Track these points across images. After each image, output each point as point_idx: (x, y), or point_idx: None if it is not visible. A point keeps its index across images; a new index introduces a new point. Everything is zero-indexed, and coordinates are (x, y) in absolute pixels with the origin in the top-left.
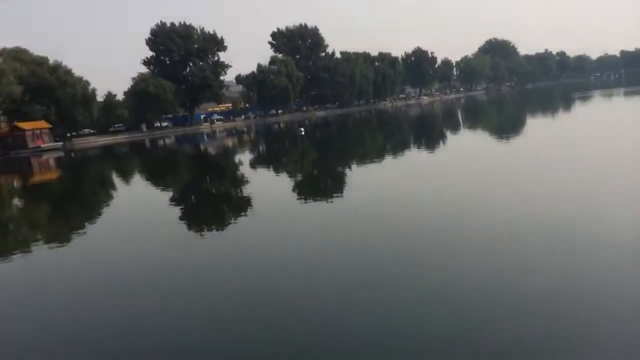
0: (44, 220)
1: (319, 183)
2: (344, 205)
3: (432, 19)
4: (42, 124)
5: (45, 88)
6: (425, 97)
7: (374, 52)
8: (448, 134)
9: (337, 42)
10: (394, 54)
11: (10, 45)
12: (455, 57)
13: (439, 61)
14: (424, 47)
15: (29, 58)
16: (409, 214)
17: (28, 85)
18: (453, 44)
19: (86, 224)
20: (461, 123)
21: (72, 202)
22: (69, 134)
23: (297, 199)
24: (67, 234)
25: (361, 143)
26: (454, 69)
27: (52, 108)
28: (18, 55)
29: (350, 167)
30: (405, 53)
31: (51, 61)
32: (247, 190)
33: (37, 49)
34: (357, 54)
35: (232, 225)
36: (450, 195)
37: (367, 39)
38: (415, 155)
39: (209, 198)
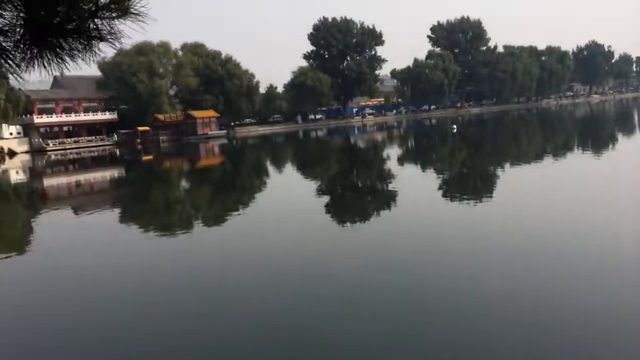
0: (205, 202)
1: (466, 183)
2: (486, 209)
3: (608, 9)
4: (211, 113)
5: (216, 80)
6: (595, 96)
7: (542, 46)
8: (618, 139)
9: (501, 36)
10: (563, 48)
11: (190, 40)
12: (636, 52)
13: (616, 56)
14: (600, 40)
15: (205, 52)
16: (551, 229)
17: (202, 77)
18: (633, 37)
19: (240, 207)
20: (637, 127)
21: (230, 185)
22: (232, 123)
23: (442, 197)
24: (224, 216)
25: (516, 144)
26: (634, 65)
27: (220, 98)
28: (196, 49)
29: (500, 169)
30: (578, 47)
31: (223, 55)
32: (392, 186)
33: (212, 44)
34: (521, 48)
35: (372, 220)
36: (597, 214)
37: (536, 31)
38: (573, 163)
39: (354, 191)
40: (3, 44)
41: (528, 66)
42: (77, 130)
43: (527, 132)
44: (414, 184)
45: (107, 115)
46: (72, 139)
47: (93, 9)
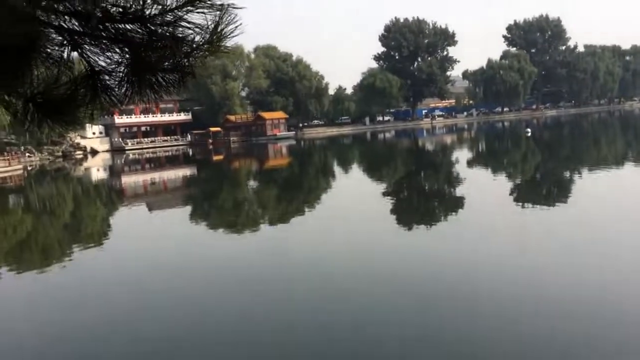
0: (271, 202)
1: (538, 191)
2: (556, 219)
3: None
4: (280, 114)
5: (287, 81)
6: None
7: (626, 45)
8: None
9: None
10: None
11: (263, 42)
12: None
13: None
14: None
15: (276, 54)
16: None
17: (273, 79)
18: None
19: (305, 208)
20: None
21: (295, 186)
22: (301, 124)
23: (512, 204)
24: (289, 216)
25: (594, 150)
26: None
27: (290, 99)
28: (268, 51)
29: (575, 177)
30: None
31: (294, 57)
32: (459, 191)
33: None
34: (604, 47)
35: (437, 224)
36: None
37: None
38: None
39: (419, 194)
40: (108, 82)
41: (610, 66)
42: (153, 130)
43: (607, 137)
44: (482, 190)
45: (181, 116)
46: (149, 139)
47: (189, 50)
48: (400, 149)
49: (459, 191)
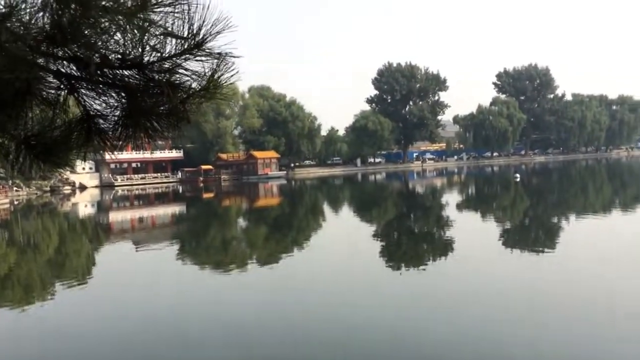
0: (260, 241)
1: (526, 237)
2: (543, 266)
3: None
4: (272, 153)
5: (280, 121)
6: None
7: (613, 95)
8: None
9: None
10: (637, 97)
11: (257, 82)
12: None
13: None
14: None
15: (270, 94)
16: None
17: (266, 118)
18: None
19: (294, 248)
20: None
21: (285, 225)
22: (292, 164)
23: (499, 250)
24: (277, 256)
25: (582, 197)
26: None
27: (282, 139)
28: (262, 91)
29: (563, 224)
30: None
31: (288, 98)
32: (449, 234)
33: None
34: (591, 97)
35: (428, 267)
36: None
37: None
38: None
39: (409, 236)
40: (102, 125)
41: (597, 115)
42: (144, 166)
43: (595, 184)
44: (471, 234)
45: (173, 153)
46: (139, 175)
47: (185, 96)
48: (391, 191)
49: (448, 235)
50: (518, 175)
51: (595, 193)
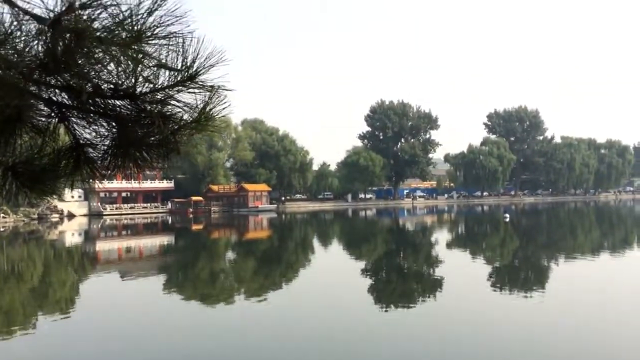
0: (247, 274)
1: (515, 277)
2: (530, 307)
3: None
4: (263, 186)
5: (272, 155)
6: None
7: (601, 139)
8: None
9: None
10: (624, 142)
11: (251, 115)
12: None
13: None
14: None
15: (263, 128)
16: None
17: (258, 151)
18: None
19: (283, 282)
20: None
21: (274, 260)
22: (283, 198)
23: (487, 290)
24: (265, 290)
25: (571, 239)
26: None
27: (273, 173)
28: (255, 125)
29: (551, 265)
30: None
31: (281, 131)
32: (438, 272)
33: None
34: (579, 140)
35: (416, 306)
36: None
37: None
38: (629, 263)
39: (398, 274)
40: (91, 154)
41: (586, 158)
42: (134, 196)
43: (584, 227)
44: (460, 273)
45: (164, 184)
46: (129, 205)
47: (176, 127)
48: (381, 228)
49: (438, 274)
50: (507, 215)
51: (584, 235)
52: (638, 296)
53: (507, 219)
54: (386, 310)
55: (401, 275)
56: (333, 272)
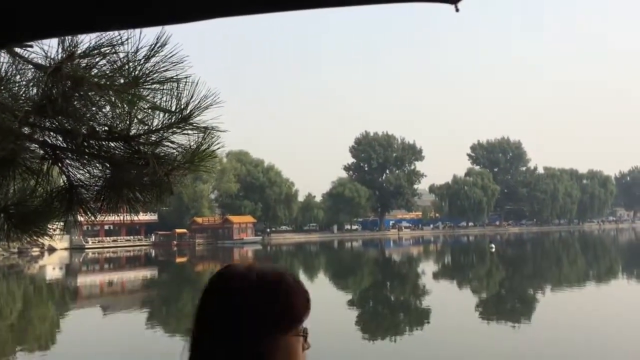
0: None
1: (503, 306)
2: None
3: None
4: (248, 218)
5: (257, 187)
6: None
7: (583, 169)
8: None
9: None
10: (606, 172)
11: (236, 147)
12: None
13: None
14: None
15: (248, 160)
16: None
17: (243, 183)
18: None
19: None
20: None
21: None
22: (268, 229)
23: (474, 320)
24: None
25: (556, 268)
26: None
27: (259, 204)
28: (240, 156)
29: (537, 294)
30: (620, 172)
31: (266, 163)
32: (425, 303)
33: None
34: (562, 171)
35: (405, 336)
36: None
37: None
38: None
39: (385, 305)
40: (84, 195)
41: (569, 188)
42: (117, 229)
43: (569, 256)
44: (447, 304)
45: (147, 216)
46: (112, 238)
47: (169, 168)
48: (368, 259)
49: (425, 305)
50: (493, 245)
51: (569, 265)
52: (624, 325)
53: (493, 249)
54: (373, 343)
55: (388, 307)
56: (319, 304)
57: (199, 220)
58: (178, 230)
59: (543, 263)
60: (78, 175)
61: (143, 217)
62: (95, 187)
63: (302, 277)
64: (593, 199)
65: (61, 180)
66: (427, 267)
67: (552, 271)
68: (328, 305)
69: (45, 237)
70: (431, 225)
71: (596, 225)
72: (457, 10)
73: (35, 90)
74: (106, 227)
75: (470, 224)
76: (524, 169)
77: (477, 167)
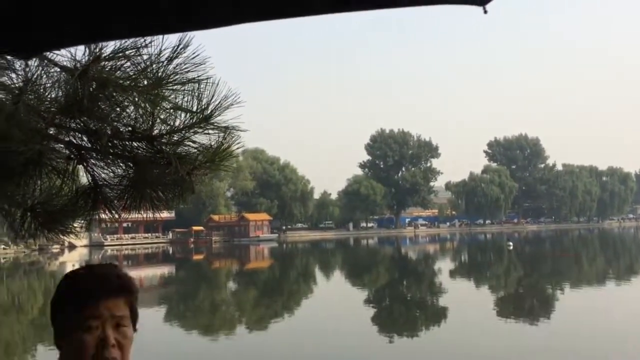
0: (250, 305)
1: (522, 304)
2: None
3: None
4: (264, 216)
5: (273, 184)
6: None
7: (602, 166)
8: None
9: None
10: (626, 169)
11: (252, 145)
12: None
13: None
14: None
15: (264, 157)
16: None
17: (259, 181)
18: None
19: (285, 313)
20: None
21: (276, 290)
22: (284, 227)
23: (491, 319)
24: (267, 321)
25: (576, 267)
26: None
27: (274, 202)
28: (256, 154)
29: (557, 293)
30: None
31: (282, 161)
32: (442, 301)
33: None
34: (581, 167)
35: (422, 334)
36: None
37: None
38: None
39: (402, 303)
40: (108, 194)
41: (588, 185)
42: (135, 226)
43: (588, 254)
44: (464, 302)
45: (165, 214)
46: (130, 235)
47: (191, 167)
48: (384, 257)
49: (441, 303)
50: (511, 243)
51: (588, 263)
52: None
53: (511, 247)
54: (390, 341)
55: (405, 305)
56: (335, 302)
57: (216, 217)
58: (195, 228)
59: (563, 261)
60: (102, 175)
61: (161, 214)
62: (119, 186)
63: (319, 274)
64: (613, 196)
65: (86, 180)
66: (444, 265)
67: (572, 269)
68: (345, 303)
69: (71, 235)
70: (448, 223)
71: (616, 223)
72: (485, 12)
73: (60, 92)
74: (124, 224)
75: (488, 221)
76: (542, 165)
77: (494, 164)
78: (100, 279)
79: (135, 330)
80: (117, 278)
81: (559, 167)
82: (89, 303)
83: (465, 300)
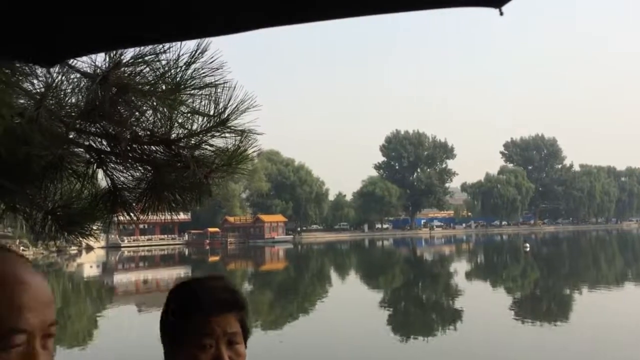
0: (265, 306)
1: (539, 307)
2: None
3: None
4: (279, 217)
5: (288, 186)
6: None
7: (621, 167)
8: None
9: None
10: None
11: (266, 147)
12: None
13: None
14: None
15: (279, 159)
16: None
17: (274, 182)
18: None
19: (300, 314)
20: None
21: (291, 291)
22: (299, 228)
23: (507, 323)
24: (282, 321)
25: (594, 269)
26: None
27: (289, 203)
28: (271, 156)
29: (575, 296)
30: None
31: (296, 162)
32: (458, 303)
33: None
34: (599, 168)
35: (439, 336)
36: None
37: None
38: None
39: (418, 305)
40: (127, 197)
41: (606, 186)
42: (151, 228)
43: (607, 256)
44: (481, 304)
45: (181, 216)
46: (146, 237)
47: (208, 171)
48: (399, 258)
49: (457, 305)
50: (528, 244)
51: (607, 265)
52: None
53: (528, 249)
54: (406, 342)
55: (421, 306)
56: (351, 303)
57: (231, 219)
58: (211, 229)
59: (580, 263)
60: (121, 178)
61: (177, 215)
62: (138, 189)
63: (334, 275)
64: (632, 197)
65: (105, 183)
66: (460, 267)
67: (589, 271)
68: (361, 304)
69: (90, 238)
70: (463, 224)
71: (635, 224)
72: (501, 14)
73: (80, 97)
74: (141, 226)
75: (504, 222)
76: (559, 166)
77: (510, 165)
78: (211, 293)
79: (245, 346)
80: (228, 292)
81: (577, 168)
82: (201, 319)
83: (482, 302)
